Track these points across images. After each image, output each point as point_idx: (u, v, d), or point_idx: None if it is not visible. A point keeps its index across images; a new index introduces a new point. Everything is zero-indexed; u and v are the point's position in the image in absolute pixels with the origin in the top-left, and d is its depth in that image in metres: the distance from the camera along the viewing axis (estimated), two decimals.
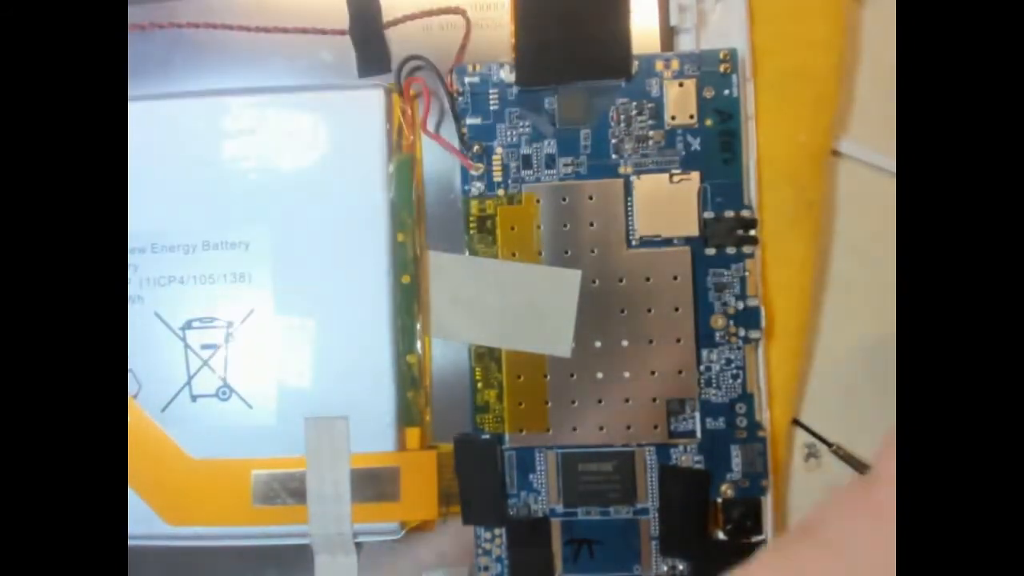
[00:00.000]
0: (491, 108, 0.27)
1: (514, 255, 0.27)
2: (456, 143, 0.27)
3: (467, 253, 0.27)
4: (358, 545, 0.28)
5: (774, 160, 0.27)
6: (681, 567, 0.27)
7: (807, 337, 0.28)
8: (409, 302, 0.27)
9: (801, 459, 0.28)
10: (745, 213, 0.27)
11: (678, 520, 0.27)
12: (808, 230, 0.27)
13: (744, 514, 0.27)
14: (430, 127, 0.27)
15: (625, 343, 0.27)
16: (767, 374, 0.27)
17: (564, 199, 0.27)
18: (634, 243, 0.27)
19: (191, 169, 0.28)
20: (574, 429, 0.27)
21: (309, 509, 0.27)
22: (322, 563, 0.28)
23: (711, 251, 0.27)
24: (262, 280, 0.27)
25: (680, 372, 0.27)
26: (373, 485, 0.27)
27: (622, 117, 0.27)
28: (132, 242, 0.27)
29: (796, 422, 0.28)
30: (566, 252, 0.27)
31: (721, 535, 0.27)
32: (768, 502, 0.27)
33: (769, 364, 0.27)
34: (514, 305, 0.27)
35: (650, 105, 0.27)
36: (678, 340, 0.27)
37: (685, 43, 0.28)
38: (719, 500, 0.27)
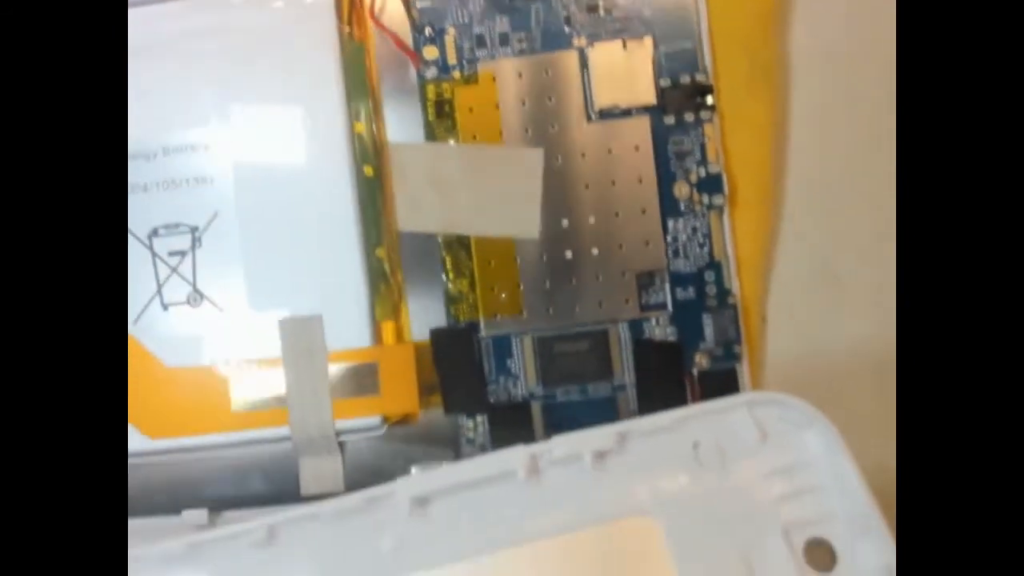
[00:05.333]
0: None
1: (475, 137, 0.27)
2: (407, 26, 0.27)
3: (427, 140, 0.27)
4: (342, 445, 0.28)
5: (725, 25, 0.27)
6: None
7: (771, 207, 0.28)
8: (373, 194, 0.27)
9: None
10: (701, 78, 0.27)
11: (656, 393, 0.27)
12: (765, 95, 0.27)
13: (720, 383, 0.27)
14: (380, 11, 0.27)
15: (592, 219, 0.27)
16: (734, 243, 0.27)
17: (520, 75, 0.27)
18: (593, 116, 0.27)
19: (143, 74, 0.27)
20: (548, 311, 0.27)
21: (289, 411, 0.27)
22: (306, 465, 0.28)
23: (670, 119, 0.27)
24: (224, 182, 0.27)
25: (647, 243, 0.27)
26: (352, 381, 0.27)
27: None
28: None
29: None
30: (526, 131, 0.27)
31: None
32: (744, 369, 0.27)
33: (735, 233, 0.27)
34: (479, 189, 0.27)
35: None
36: (643, 211, 0.27)
37: None
38: (694, 371, 0.27)
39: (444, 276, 0.28)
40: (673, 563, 0.19)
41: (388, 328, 0.28)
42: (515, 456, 0.20)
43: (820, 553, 0.19)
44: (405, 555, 0.20)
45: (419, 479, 0.21)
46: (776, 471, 0.20)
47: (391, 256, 0.28)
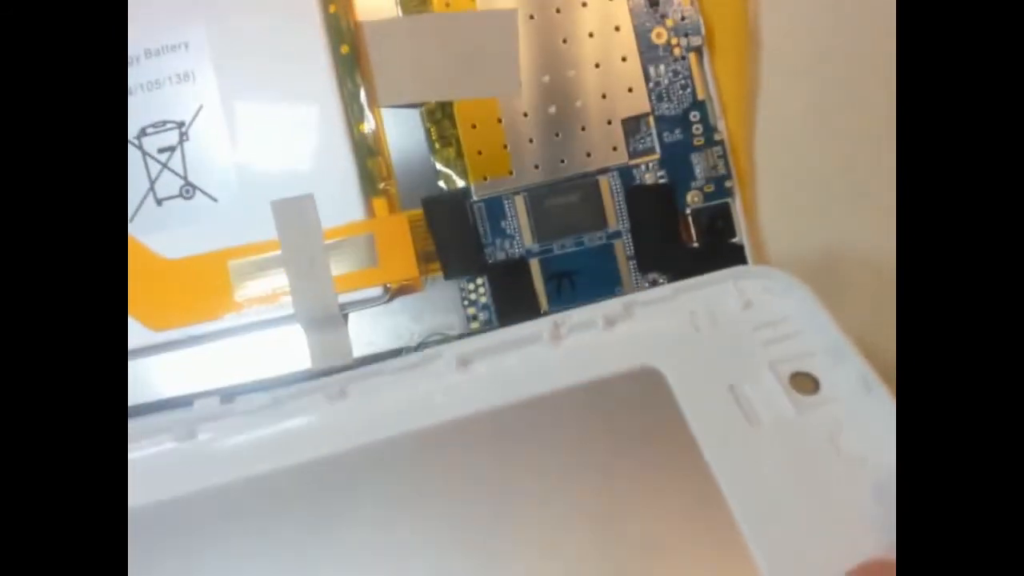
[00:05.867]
0: None
1: (448, 5, 0.27)
2: None
3: (400, 13, 0.28)
4: (346, 318, 0.28)
5: None
6: (662, 280, 0.27)
7: (748, 52, 0.28)
8: (351, 71, 0.27)
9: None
10: None
11: (651, 236, 0.27)
12: None
13: (713, 217, 0.27)
14: None
15: (572, 73, 0.27)
16: (716, 83, 0.27)
17: None
18: None
19: None
20: (536, 167, 0.27)
21: (291, 289, 0.27)
22: (314, 341, 0.28)
23: None
24: (206, 76, 0.28)
25: (630, 90, 0.27)
26: (350, 255, 0.27)
27: None
28: None
29: None
30: None
31: (695, 244, 0.27)
32: (737, 204, 0.27)
33: (716, 77, 0.28)
34: (457, 55, 0.27)
35: None
36: (624, 59, 0.27)
37: None
38: (688, 211, 0.27)
39: (430, 148, 0.28)
40: (678, 399, 0.21)
41: (380, 204, 0.28)
42: (540, 324, 0.24)
43: (804, 381, 0.21)
44: (451, 402, 0.23)
45: (462, 343, 0.24)
46: (761, 325, 0.22)
47: (376, 132, 0.28)
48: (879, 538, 0.17)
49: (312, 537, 0.21)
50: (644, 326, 0.23)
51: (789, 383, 0.21)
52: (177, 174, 0.28)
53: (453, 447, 0.22)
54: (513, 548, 0.19)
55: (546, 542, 0.19)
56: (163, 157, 0.28)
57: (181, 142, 0.28)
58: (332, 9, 0.27)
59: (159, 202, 0.28)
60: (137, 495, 0.21)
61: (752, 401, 0.21)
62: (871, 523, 0.17)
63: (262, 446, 0.23)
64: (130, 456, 0.23)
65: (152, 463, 0.23)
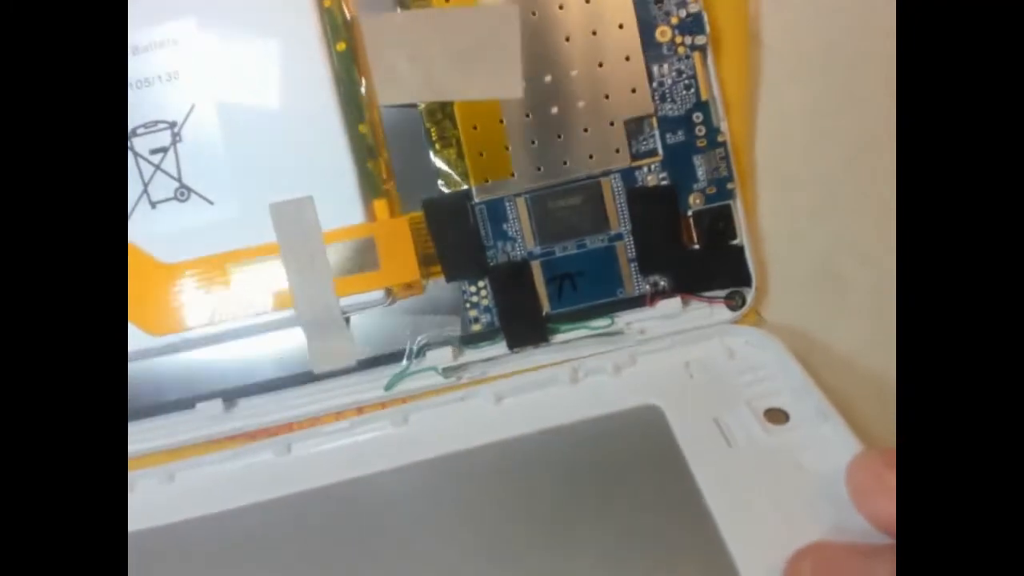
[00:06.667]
0: None
1: (447, 0, 0.27)
2: None
3: (399, 9, 0.27)
4: (348, 321, 0.28)
5: None
6: (663, 282, 0.28)
7: (752, 50, 0.28)
8: (349, 68, 0.27)
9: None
10: None
11: (653, 238, 0.27)
12: None
13: (715, 219, 0.27)
14: None
15: (575, 72, 0.27)
16: (719, 83, 0.27)
17: None
18: None
19: None
20: (538, 169, 0.27)
21: (292, 293, 0.27)
22: (315, 345, 0.28)
23: None
24: (197, 74, 0.27)
25: (633, 90, 0.27)
26: (351, 258, 0.27)
27: None
28: None
29: None
30: None
31: (696, 245, 0.27)
32: (739, 206, 0.27)
33: (720, 75, 0.27)
34: (457, 53, 0.27)
35: None
36: (627, 58, 0.27)
37: None
38: (690, 213, 0.27)
39: (430, 148, 0.27)
40: (673, 429, 0.25)
41: (380, 206, 0.27)
42: (560, 369, 0.28)
43: (776, 415, 0.25)
44: (490, 428, 0.27)
45: (497, 384, 0.28)
46: (742, 371, 0.27)
47: (375, 132, 0.27)
48: (827, 528, 0.21)
49: (379, 525, 0.25)
50: (646, 371, 0.28)
51: (763, 415, 0.25)
52: (171, 176, 0.27)
53: (492, 463, 0.26)
54: (533, 546, 0.23)
55: (565, 538, 0.23)
56: (156, 158, 0.27)
57: (174, 143, 0.27)
58: (327, 3, 0.27)
59: (153, 205, 0.27)
60: (243, 497, 0.26)
61: (732, 429, 0.24)
62: (822, 517, 0.21)
63: (344, 458, 0.28)
64: (233, 465, 0.28)
65: (255, 470, 0.28)
